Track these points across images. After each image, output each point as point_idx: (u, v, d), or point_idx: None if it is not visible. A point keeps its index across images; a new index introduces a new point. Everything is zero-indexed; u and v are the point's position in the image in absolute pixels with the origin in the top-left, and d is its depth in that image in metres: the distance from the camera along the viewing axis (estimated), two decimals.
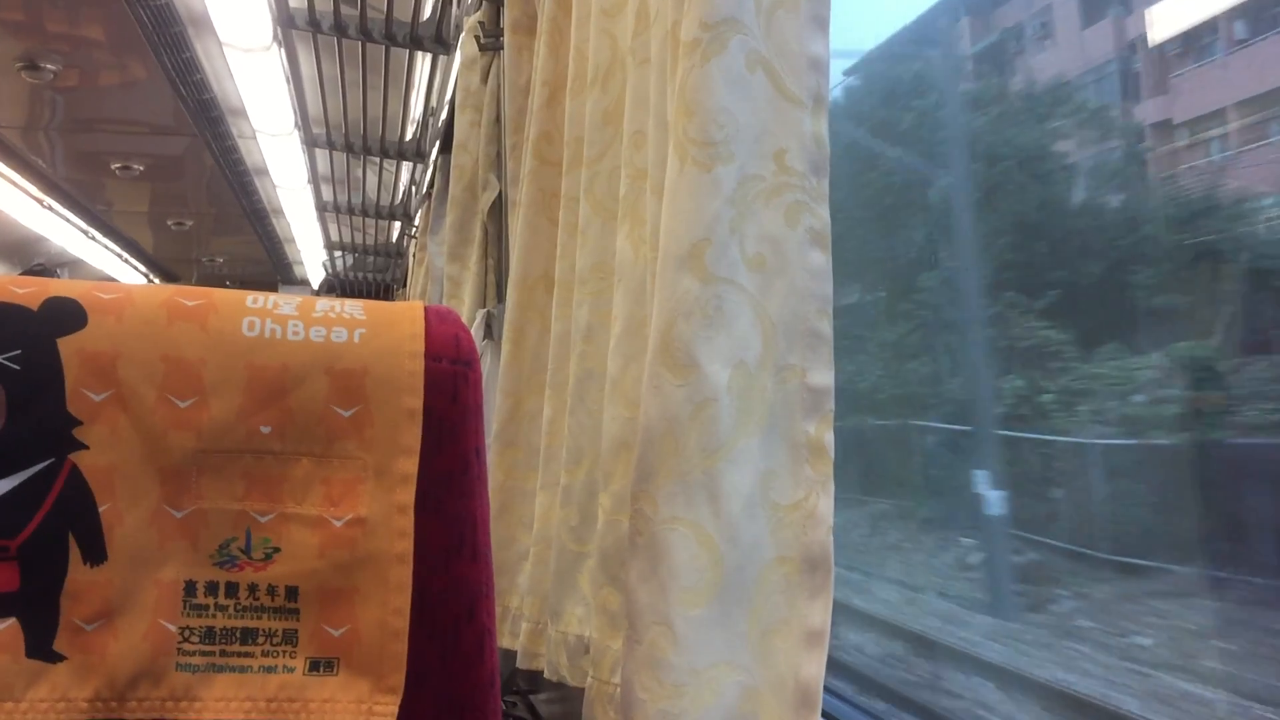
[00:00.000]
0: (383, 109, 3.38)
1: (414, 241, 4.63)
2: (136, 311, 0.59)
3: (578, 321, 1.13)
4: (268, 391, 0.59)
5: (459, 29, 2.48)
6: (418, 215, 4.29)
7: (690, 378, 0.76)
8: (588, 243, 1.13)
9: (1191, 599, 3.75)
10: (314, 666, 0.59)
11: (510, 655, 1.27)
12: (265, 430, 0.59)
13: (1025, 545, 4.63)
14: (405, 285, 5.50)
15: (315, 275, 7.70)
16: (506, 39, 1.68)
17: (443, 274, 2.27)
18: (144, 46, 3.25)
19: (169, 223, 6.20)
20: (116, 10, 3.00)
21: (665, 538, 0.75)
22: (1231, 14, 5.26)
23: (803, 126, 0.79)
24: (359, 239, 6.01)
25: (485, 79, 2.03)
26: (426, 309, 0.64)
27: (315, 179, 4.62)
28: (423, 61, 3.08)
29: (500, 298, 1.93)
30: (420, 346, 0.62)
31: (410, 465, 0.60)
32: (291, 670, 0.59)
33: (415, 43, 2.76)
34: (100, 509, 0.58)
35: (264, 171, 4.73)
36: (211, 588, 0.59)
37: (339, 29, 2.72)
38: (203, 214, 6.02)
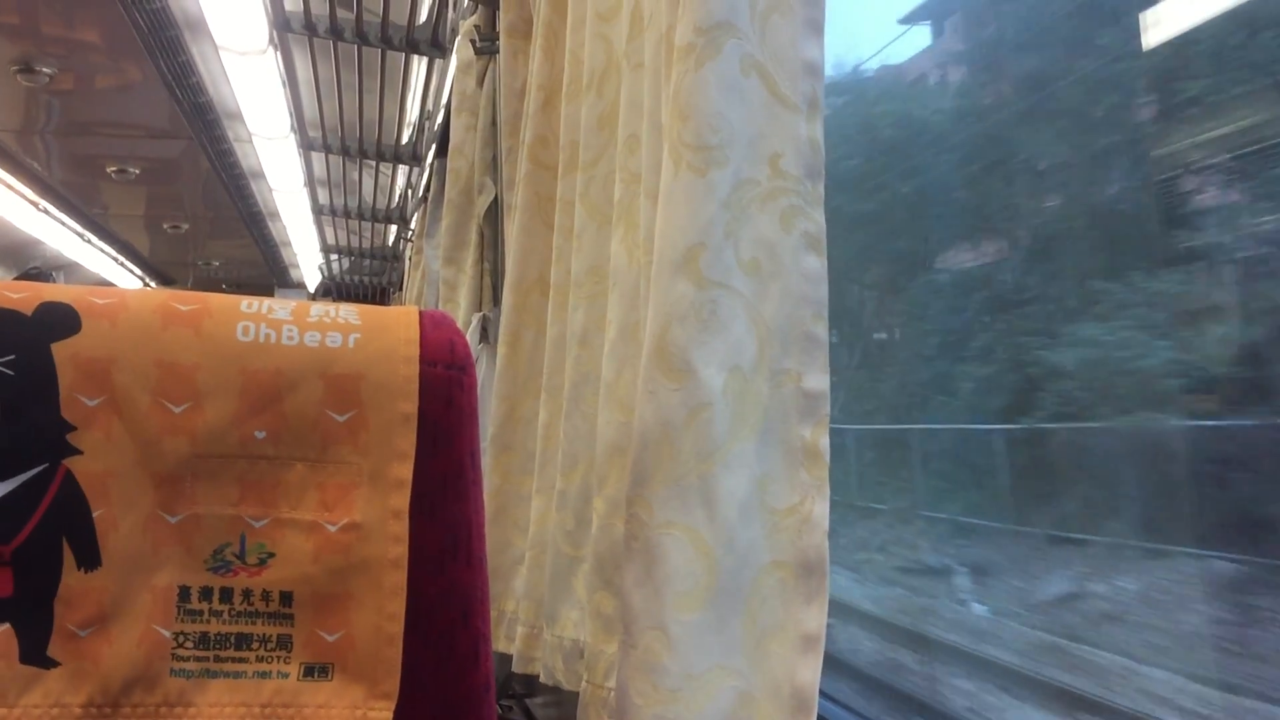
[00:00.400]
0: (379, 112, 3.38)
1: (410, 245, 4.63)
2: (130, 316, 0.59)
3: (573, 326, 1.13)
4: (262, 396, 0.59)
5: (455, 32, 2.48)
6: (414, 219, 4.29)
7: (685, 382, 0.76)
8: (583, 247, 1.13)
9: None
10: (308, 672, 0.59)
11: (506, 659, 1.27)
12: (260, 435, 0.59)
13: None
14: (401, 289, 5.50)
15: (311, 279, 7.69)
16: (502, 43, 1.68)
17: (439, 277, 2.27)
18: (140, 50, 3.25)
19: (165, 226, 6.20)
20: (112, 13, 3.00)
21: (660, 542, 0.75)
22: None
23: (798, 131, 0.79)
24: (355, 242, 6.02)
25: (481, 83, 2.03)
26: (421, 314, 0.64)
27: (311, 182, 4.62)
28: (419, 65, 3.08)
29: (496, 301, 1.93)
30: (415, 351, 0.62)
31: (405, 470, 0.60)
32: (286, 676, 0.59)
33: (411, 46, 2.77)
34: (94, 514, 0.57)
35: (260, 175, 4.72)
36: (206, 593, 0.59)
37: (335, 32, 2.72)
38: (199, 217, 6.01)
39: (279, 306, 0.62)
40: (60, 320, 0.58)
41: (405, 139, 3.77)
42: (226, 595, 0.59)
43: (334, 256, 6.68)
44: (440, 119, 2.93)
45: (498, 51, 1.77)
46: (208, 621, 0.59)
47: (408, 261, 4.80)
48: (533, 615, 1.21)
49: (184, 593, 0.58)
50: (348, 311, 0.63)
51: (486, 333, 1.88)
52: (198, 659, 0.58)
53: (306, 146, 4.02)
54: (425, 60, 2.98)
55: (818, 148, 0.80)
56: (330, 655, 0.59)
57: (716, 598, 0.74)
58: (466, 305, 2.08)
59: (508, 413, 1.40)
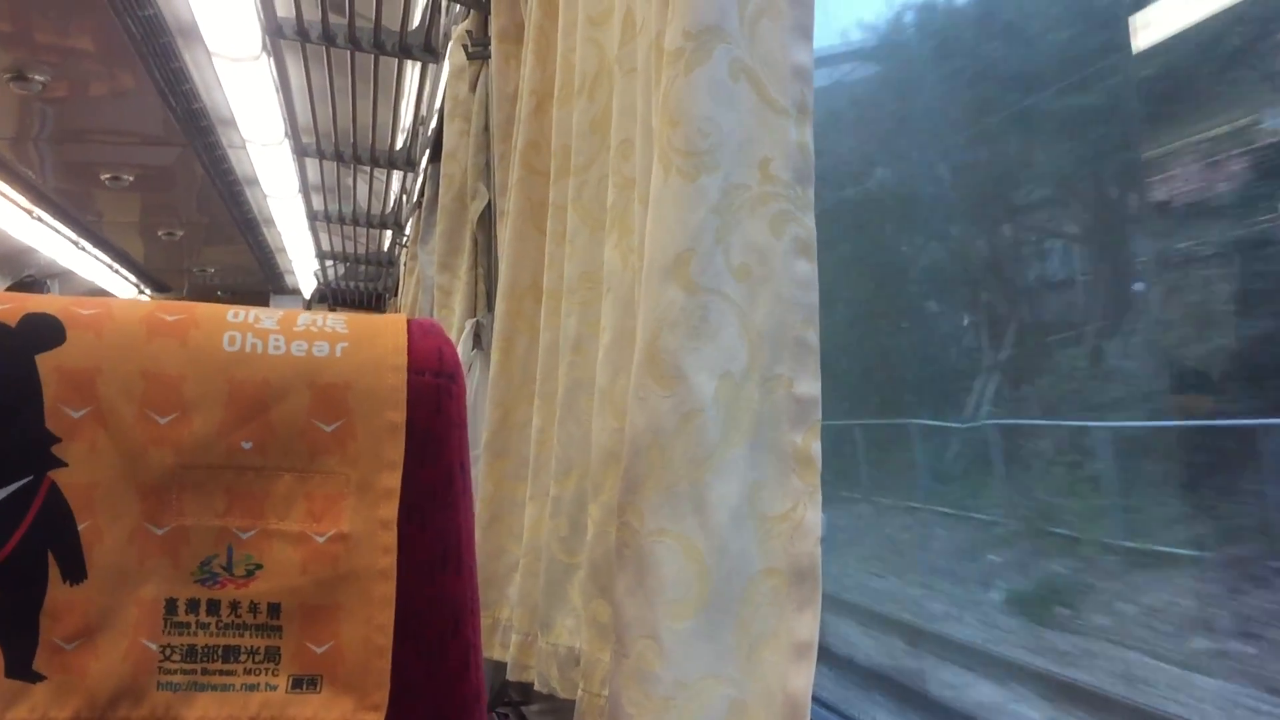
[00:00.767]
0: (372, 118, 3.38)
1: (405, 250, 4.62)
2: (116, 327, 0.59)
3: (566, 331, 1.13)
4: (249, 406, 0.59)
5: (447, 37, 2.48)
6: (409, 224, 4.28)
7: (676, 388, 0.75)
8: (576, 252, 1.13)
9: None
10: (297, 684, 0.59)
11: (501, 667, 1.26)
12: (246, 446, 0.59)
13: None
14: (397, 294, 5.49)
15: (307, 285, 7.68)
16: (494, 48, 1.68)
17: (434, 283, 2.26)
18: (133, 57, 3.24)
19: (159, 233, 6.19)
20: (105, 21, 2.99)
21: (652, 550, 0.75)
22: None
23: (787, 135, 0.79)
24: (350, 248, 6.01)
25: (474, 88, 2.02)
26: (409, 322, 0.64)
27: (306, 188, 4.61)
28: (412, 70, 3.08)
29: (490, 307, 1.93)
30: (403, 360, 0.61)
31: (393, 480, 0.60)
32: (274, 688, 0.58)
33: (404, 51, 2.76)
34: (80, 527, 0.57)
35: (254, 181, 4.72)
36: (193, 605, 0.58)
37: (327, 38, 2.71)
38: (193, 224, 6.00)
39: (266, 316, 0.62)
40: (44, 331, 0.58)
41: (399, 144, 3.76)
42: (214, 607, 0.58)
43: (329, 262, 6.67)
44: (434, 124, 2.93)
45: (490, 56, 1.77)
46: (195, 634, 0.58)
47: (403, 267, 4.80)
48: (527, 623, 1.21)
49: (171, 605, 0.58)
50: (335, 320, 0.63)
51: (480, 338, 1.87)
52: (185, 672, 0.58)
53: (300, 152, 4.01)
54: (418, 65, 2.97)
55: (807, 152, 0.80)
56: (319, 667, 0.59)
57: (709, 605, 0.73)
58: (461, 311, 2.08)
59: (501, 419, 1.39)
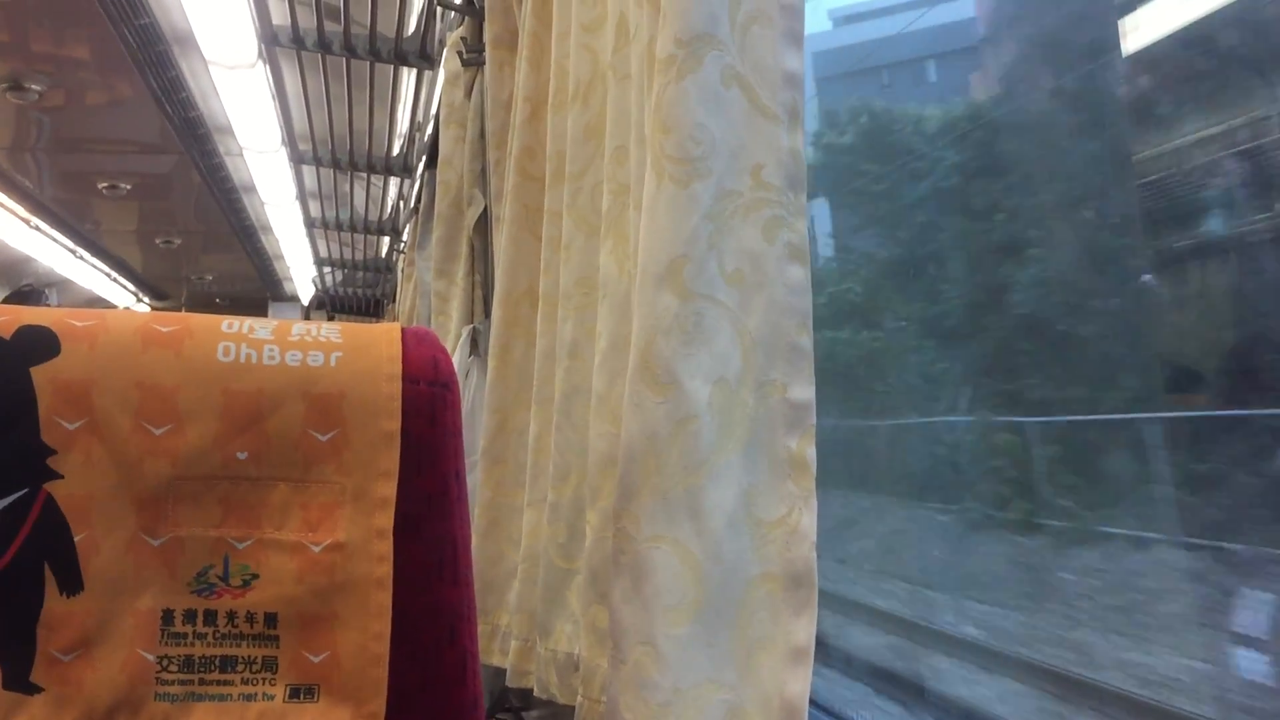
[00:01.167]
0: (369, 124, 3.38)
1: (403, 256, 4.62)
2: (110, 339, 0.59)
3: (562, 337, 1.13)
4: (244, 417, 0.59)
5: (443, 44, 2.48)
6: (406, 230, 4.28)
7: (670, 395, 0.76)
8: (571, 258, 1.13)
9: None
10: (294, 693, 0.59)
11: (501, 673, 1.26)
12: (242, 456, 0.59)
13: None
14: (395, 300, 5.49)
15: (305, 291, 7.68)
16: (488, 54, 1.68)
17: (431, 290, 2.26)
18: (129, 65, 3.24)
19: (157, 241, 6.19)
20: (101, 30, 2.99)
21: (648, 556, 0.75)
22: None
23: (779, 142, 0.79)
24: (348, 254, 6.01)
25: (469, 94, 2.03)
26: (404, 331, 0.64)
27: (303, 195, 4.62)
28: (408, 76, 3.08)
29: (488, 313, 1.93)
30: (398, 369, 0.61)
31: (389, 489, 0.60)
32: (271, 698, 0.59)
33: (400, 58, 2.77)
34: (76, 538, 0.57)
35: (251, 188, 4.72)
36: (190, 616, 0.58)
37: (323, 45, 2.72)
38: (191, 232, 6.01)
39: (260, 326, 0.62)
40: (39, 344, 0.58)
41: (396, 150, 3.76)
42: (210, 617, 0.59)
43: (327, 269, 6.67)
44: (430, 130, 2.93)
45: (485, 63, 1.77)
46: (192, 644, 0.58)
47: (401, 273, 4.80)
48: (526, 629, 1.21)
49: (167, 616, 0.58)
50: (329, 330, 0.63)
51: (477, 344, 1.87)
52: (182, 682, 0.58)
53: (297, 159, 4.02)
54: (414, 72, 2.97)
55: (799, 158, 0.80)
56: (316, 676, 0.59)
57: (705, 611, 0.74)
58: (458, 317, 2.08)
59: (499, 425, 1.39)
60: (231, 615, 0.59)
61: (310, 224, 5.17)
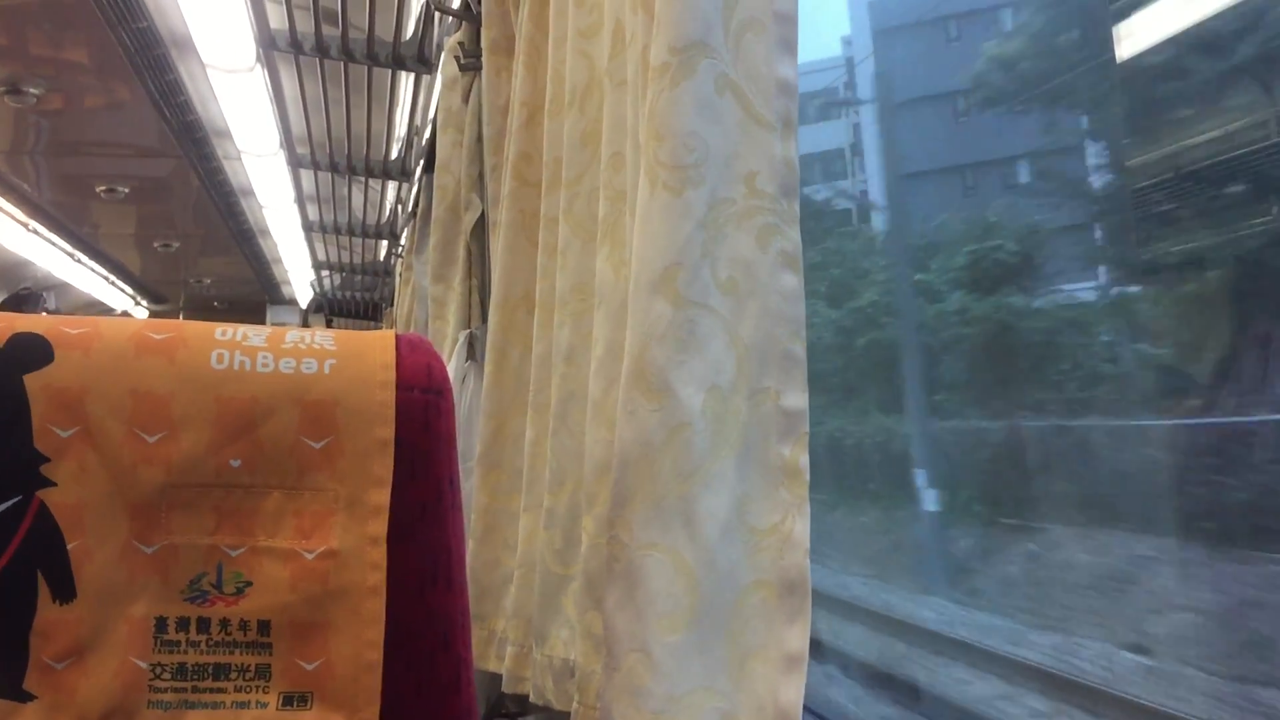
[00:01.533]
0: (366, 128, 3.38)
1: (401, 260, 4.63)
2: (104, 346, 0.59)
3: (559, 343, 1.13)
4: (237, 424, 0.59)
5: (440, 48, 2.48)
6: (404, 234, 4.29)
7: (664, 402, 0.76)
8: (567, 264, 1.13)
9: None
10: (287, 701, 0.59)
11: (497, 679, 1.26)
12: (235, 463, 0.59)
13: None
14: (393, 304, 5.49)
15: (303, 295, 7.68)
16: (485, 60, 1.68)
17: (428, 294, 2.27)
18: (127, 69, 3.25)
19: (155, 245, 6.19)
20: (99, 34, 3.00)
21: (641, 563, 0.75)
22: None
23: (773, 149, 0.80)
24: (346, 258, 6.01)
25: (466, 99, 2.03)
26: (398, 338, 0.64)
27: (301, 199, 4.62)
28: (406, 80, 3.08)
29: (485, 318, 1.93)
30: (391, 376, 0.61)
31: (382, 496, 0.60)
32: (264, 706, 0.59)
33: (397, 62, 2.77)
34: (69, 546, 0.57)
35: (249, 192, 4.72)
36: (183, 623, 0.58)
37: (321, 50, 2.72)
38: (189, 235, 6.01)
39: (254, 333, 0.62)
40: (32, 351, 0.58)
41: (394, 154, 3.77)
42: (204, 625, 0.59)
43: (326, 273, 6.67)
44: (428, 134, 2.94)
45: (482, 68, 1.77)
46: (185, 652, 0.58)
47: (398, 277, 4.80)
48: (522, 634, 1.21)
49: (161, 623, 0.58)
50: (323, 337, 0.63)
51: (474, 350, 1.87)
52: (175, 690, 0.58)
53: (295, 163, 4.02)
54: (412, 76, 2.98)
55: (793, 166, 0.80)
56: (309, 684, 0.59)
57: (699, 619, 0.74)
58: (455, 322, 2.08)
59: (495, 431, 1.39)
60: (225, 623, 0.59)
61: (308, 227, 5.17)
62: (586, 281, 1.09)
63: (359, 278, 6.65)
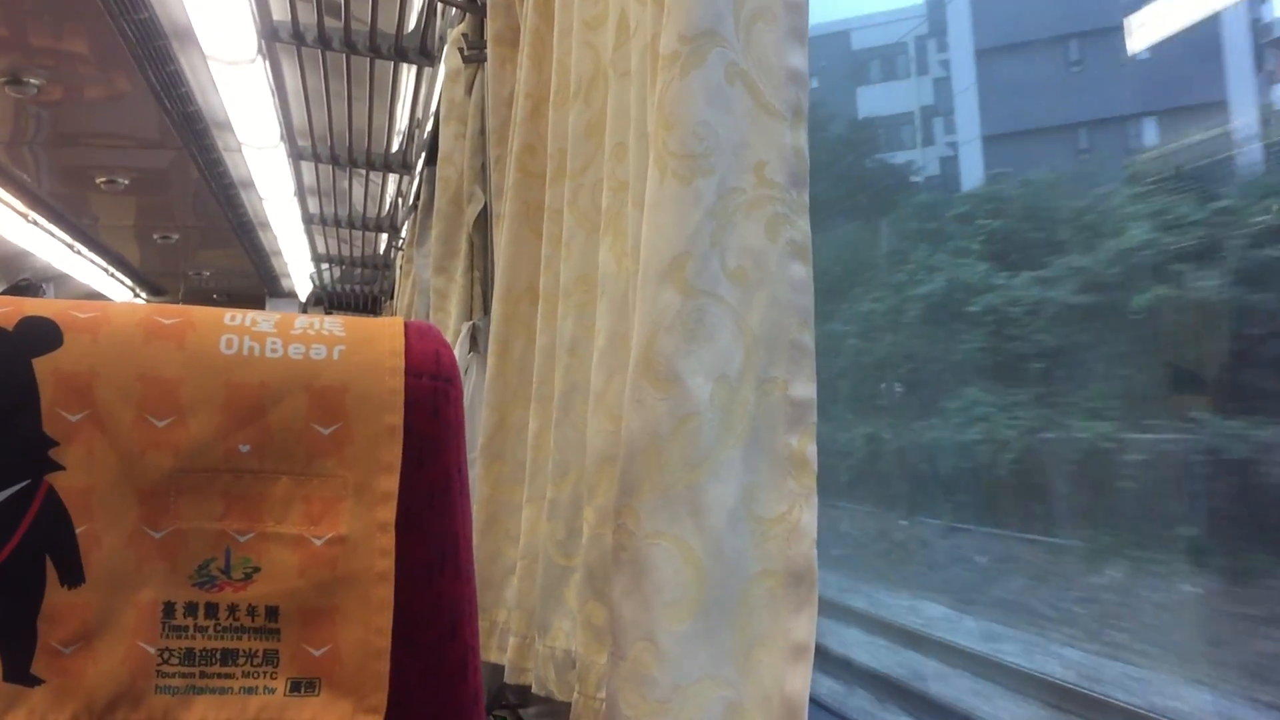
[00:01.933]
0: (368, 121, 3.38)
1: (401, 253, 4.62)
2: (113, 330, 0.59)
3: (562, 334, 1.13)
4: (246, 410, 0.59)
5: (443, 40, 2.48)
6: (404, 227, 4.28)
7: (672, 391, 0.76)
8: (571, 255, 1.13)
9: None
10: (295, 687, 0.59)
11: (499, 670, 1.26)
12: (244, 449, 0.59)
13: None
14: (393, 297, 5.49)
15: (303, 288, 7.68)
16: (490, 51, 1.68)
17: (429, 286, 2.26)
18: (128, 60, 3.24)
19: (155, 236, 6.18)
20: (100, 24, 2.99)
21: (648, 552, 0.75)
22: None
23: (782, 139, 0.80)
24: (346, 251, 6.01)
25: (469, 91, 2.03)
26: (407, 325, 0.64)
27: (301, 191, 4.61)
28: (407, 73, 3.08)
29: (486, 310, 1.93)
30: (400, 363, 0.61)
31: (391, 483, 0.60)
32: (272, 691, 0.59)
33: (400, 54, 2.76)
34: (77, 530, 0.57)
35: (250, 184, 4.72)
36: (191, 609, 0.58)
37: (323, 41, 2.71)
38: (189, 227, 6.00)
39: (263, 319, 0.62)
40: (42, 335, 0.58)
41: (395, 147, 3.76)
42: (212, 610, 0.59)
43: (325, 265, 6.67)
44: (429, 127, 2.93)
45: (486, 59, 1.77)
46: (193, 637, 0.58)
47: (399, 270, 4.80)
48: (524, 625, 1.21)
49: (169, 608, 0.58)
50: (332, 323, 0.63)
51: (476, 341, 1.87)
52: (183, 675, 0.58)
53: (296, 155, 4.01)
54: (414, 68, 2.97)
55: (802, 156, 0.80)
56: (317, 670, 0.59)
57: (705, 608, 0.74)
58: (457, 314, 2.08)
59: (498, 422, 1.39)
60: (233, 608, 0.59)
61: (308, 220, 5.17)
62: (590, 273, 1.09)
63: (358, 271, 6.65)
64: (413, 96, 3.17)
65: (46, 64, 3.41)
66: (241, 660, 0.59)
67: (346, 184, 4.40)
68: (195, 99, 3.68)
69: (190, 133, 3.97)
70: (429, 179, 2.84)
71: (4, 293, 5.85)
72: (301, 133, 3.82)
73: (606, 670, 0.82)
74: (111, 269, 6.76)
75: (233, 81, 3.22)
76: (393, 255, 5.53)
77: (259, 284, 7.76)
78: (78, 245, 5.92)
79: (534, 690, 1.14)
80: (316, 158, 3.95)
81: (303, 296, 8.00)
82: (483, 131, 1.93)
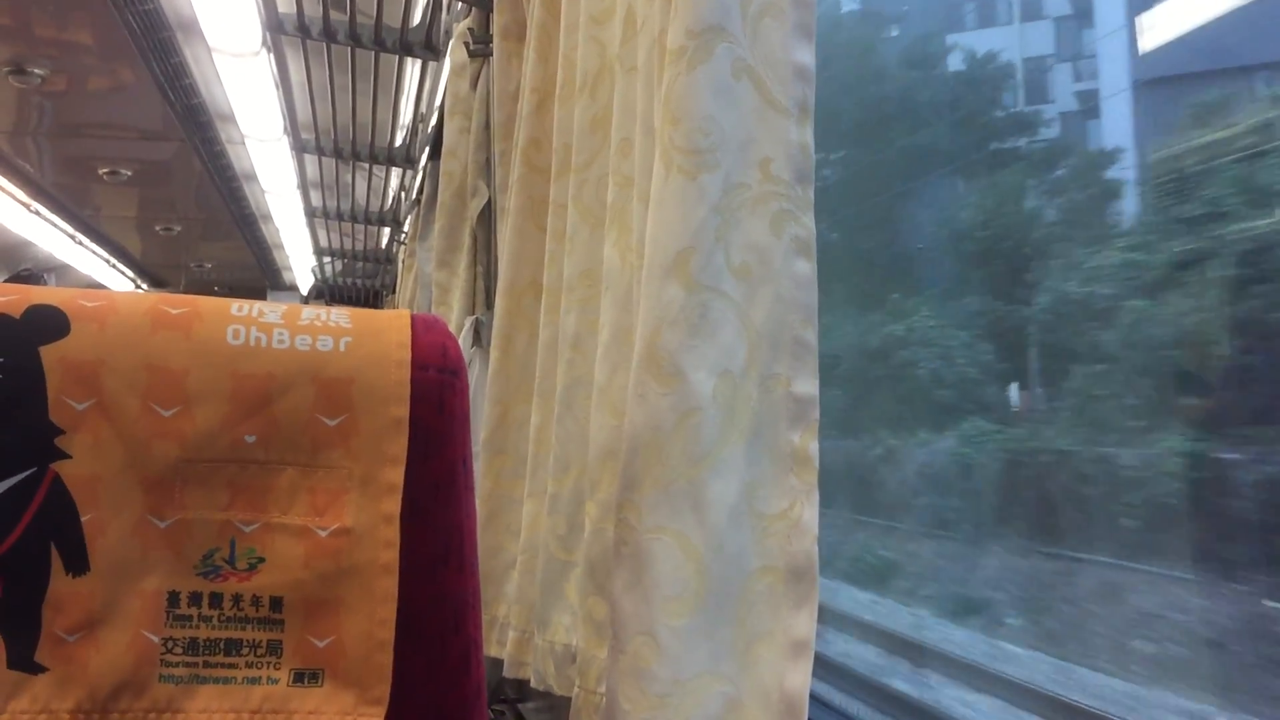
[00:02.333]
0: (372, 114, 3.37)
1: (403, 248, 4.62)
2: (120, 319, 0.59)
3: (565, 329, 1.13)
4: (252, 400, 0.59)
5: (448, 35, 2.48)
6: (407, 221, 4.28)
7: (675, 386, 0.76)
8: (575, 250, 1.13)
9: None
10: (298, 678, 0.59)
11: (498, 664, 1.27)
12: (250, 439, 0.59)
13: None
14: (394, 292, 5.49)
15: (304, 281, 7.67)
16: (496, 45, 1.68)
17: (431, 280, 2.27)
18: (132, 51, 3.24)
19: (157, 228, 6.18)
20: (105, 15, 2.99)
21: (649, 547, 0.75)
22: None
23: (788, 135, 0.80)
24: (348, 245, 6.00)
25: (474, 85, 2.03)
26: (413, 317, 0.64)
27: (304, 184, 4.61)
28: (412, 67, 3.08)
29: (489, 305, 1.93)
30: (407, 355, 0.61)
31: (396, 475, 0.60)
32: (276, 681, 0.59)
33: (405, 48, 2.76)
34: (83, 519, 0.57)
35: (252, 177, 4.71)
36: (195, 598, 0.59)
37: (328, 34, 2.71)
38: (191, 219, 6.00)
39: (270, 310, 0.62)
40: (49, 323, 0.58)
41: (399, 141, 3.76)
42: (216, 600, 0.59)
43: (327, 259, 6.66)
44: (434, 121, 2.93)
45: (491, 54, 1.77)
46: (197, 627, 0.58)
47: (401, 264, 4.80)
48: (524, 620, 1.21)
49: (173, 598, 0.58)
50: (339, 315, 0.63)
51: (479, 336, 1.87)
52: (187, 664, 0.58)
53: (299, 149, 4.01)
54: (419, 62, 2.97)
55: (808, 152, 0.80)
56: (321, 661, 0.59)
57: (706, 603, 0.74)
58: (459, 308, 2.08)
59: (500, 417, 1.40)
60: (237, 598, 0.59)
61: (311, 213, 5.16)
62: (594, 267, 1.09)
63: (360, 264, 6.64)
64: (417, 90, 3.17)
65: (51, 54, 3.41)
66: (245, 650, 0.59)
67: (349, 177, 4.40)
68: (199, 91, 3.68)
69: (193, 125, 3.97)
70: (433, 173, 2.84)
71: (5, 282, 5.85)
72: (305, 126, 3.81)
73: (607, 665, 0.82)
74: (113, 260, 6.76)
75: (237, 74, 3.22)
76: (395, 250, 5.53)
77: (260, 277, 7.76)
78: (79, 236, 5.92)
79: (533, 685, 1.15)
80: (320, 151, 3.95)
81: (304, 290, 7.99)
82: (487, 126, 1.94)
